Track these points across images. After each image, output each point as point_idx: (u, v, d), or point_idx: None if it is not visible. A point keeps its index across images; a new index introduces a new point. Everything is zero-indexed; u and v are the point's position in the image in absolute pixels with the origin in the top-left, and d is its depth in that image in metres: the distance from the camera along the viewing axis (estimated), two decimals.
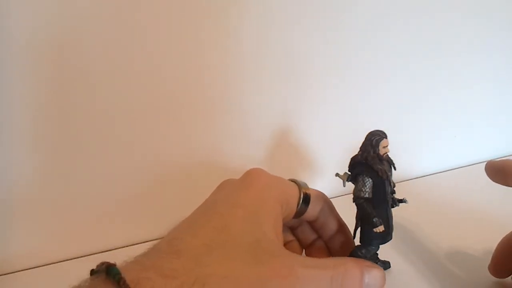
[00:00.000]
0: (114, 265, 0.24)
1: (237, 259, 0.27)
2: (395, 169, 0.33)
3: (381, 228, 0.31)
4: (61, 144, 0.39)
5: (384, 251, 0.36)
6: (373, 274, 0.30)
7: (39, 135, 0.38)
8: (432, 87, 0.54)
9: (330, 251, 0.37)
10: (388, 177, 0.32)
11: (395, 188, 0.34)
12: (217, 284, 0.25)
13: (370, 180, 0.32)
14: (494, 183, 0.53)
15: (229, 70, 0.43)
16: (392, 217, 0.33)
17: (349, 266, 0.30)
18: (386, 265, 0.36)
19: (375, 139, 0.31)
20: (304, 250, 0.38)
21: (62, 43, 0.37)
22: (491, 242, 0.29)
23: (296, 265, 0.28)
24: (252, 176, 0.33)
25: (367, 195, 0.32)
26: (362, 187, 0.32)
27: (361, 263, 0.31)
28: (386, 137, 0.32)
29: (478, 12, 0.54)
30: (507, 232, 0.29)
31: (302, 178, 0.36)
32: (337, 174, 0.34)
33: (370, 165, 0.31)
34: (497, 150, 0.60)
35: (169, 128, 0.42)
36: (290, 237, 0.38)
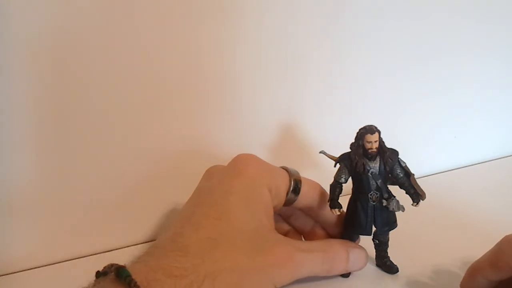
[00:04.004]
0: (124, 267, 0.24)
1: (241, 251, 0.28)
2: (385, 169, 0.33)
3: (335, 212, 0.33)
4: (61, 144, 0.38)
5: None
6: (356, 253, 0.34)
7: (38, 136, 0.38)
8: (432, 87, 0.54)
9: (330, 236, 0.37)
10: (367, 171, 0.33)
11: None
12: (226, 279, 0.26)
13: (346, 169, 0.34)
14: (494, 183, 0.54)
15: (228, 66, 0.43)
16: (373, 214, 0.34)
17: (336, 248, 0.33)
18: (393, 268, 0.36)
19: (360, 132, 0.33)
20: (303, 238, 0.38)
21: (62, 44, 0.37)
22: (491, 243, 0.29)
23: (293, 251, 0.30)
24: (242, 162, 0.33)
25: (342, 180, 0.34)
26: (339, 172, 0.34)
27: (347, 244, 0.34)
28: (373, 133, 0.33)
29: (478, 12, 0.54)
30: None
31: (302, 172, 0.36)
32: (321, 151, 0.36)
33: (350, 155, 0.34)
34: (497, 150, 0.60)
35: (169, 126, 0.42)
36: (286, 227, 0.38)
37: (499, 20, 0.56)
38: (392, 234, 0.36)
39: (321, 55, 0.47)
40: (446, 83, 0.55)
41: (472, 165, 0.58)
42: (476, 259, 0.30)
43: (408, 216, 0.37)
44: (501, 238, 0.29)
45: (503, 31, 0.57)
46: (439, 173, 0.56)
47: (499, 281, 0.29)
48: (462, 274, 0.31)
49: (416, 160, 0.54)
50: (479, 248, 0.31)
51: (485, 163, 0.59)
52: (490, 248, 0.29)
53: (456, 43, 0.54)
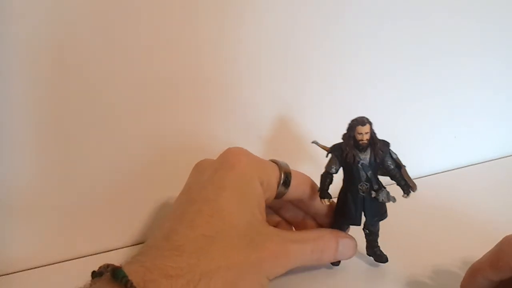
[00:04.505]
0: (120, 267, 0.23)
1: (236, 248, 0.28)
2: (375, 160, 0.33)
3: (325, 202, 0.34)
4: (60, 145, 0.38)
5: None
6: (345, 242, 0.35)
7: (38, 136, 0.38)
8: (432, 87, 0.54)
9: (320, 227, 0.37)
10: (357, 162, 0.33)
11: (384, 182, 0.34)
12: (222, 278, 0.26)
13: (337, 159, 0.34)
14: (494, 183, 0.54)
15: (227, 66, 0.43)
16: (362, 204, 0.34)
17: (327, 238, 0.34)
18: (383, 257, 0.36)
19: (351, 123, 0.33)
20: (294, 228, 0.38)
21: (62, 44, 0.37)
22: (491, 243, 0.29)
23: (285, 243, 0.31)
24: (233, 155, 0.33)
25: (332, 171, 0.34)
26: (330, 162, 0.35)
27: (337, 233, 0.35)
28: (364, 124, 0.33)
29: (478, 12, 0.54)
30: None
31: (300, 170, 0.36)
32: (314, 141, 0.36)
33: (341, 146, 0.34)
34: (497, 150, 0.60)
35: (168, 126, 0.42)
36: (276, 218, 0.38)
37: (499, 20, 0.56)
38: (391, 233, 0.36)
39: (321, 55, 0.47)
40: (446, 83, 0.55)
41: (472, 165, 0.58)
42: (476, 259, 0.30)
43: (408, 216, 0.37)
44: (501, 238, 0.29)
45: (503, 31, 0.57)
46: (439, 173, 0.56)
47: (500, 282, 0.29)
48: (462, 274, 0.31)
49: (416, 160, 0.54)
50: (479, 248, 0.30)
51: (485, 163, 0.59)
52: (490, 248, 0.29)
53: (456, 43, 0.54)
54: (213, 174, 0.32)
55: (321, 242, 0.34)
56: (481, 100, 0.58)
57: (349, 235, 0.36)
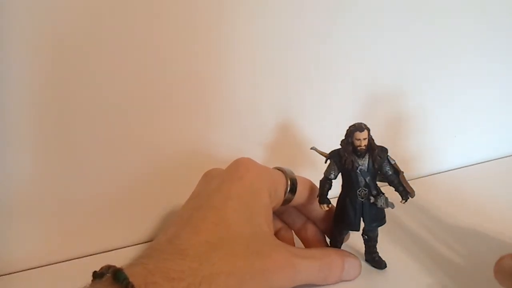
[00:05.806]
0: (121, 269, 0.23)
1: (239, 254, 0.28)
2: (373, 166, 0.34)
3: (324, 207, 0.34)
4: (60, 145, 0.38)
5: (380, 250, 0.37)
6: (351, 262, 0.35)
7: (38, 135, 0.38)
8: (432, 87, 0.54)
9: (320, 232, 0.38)
10: (356, 168, 0.33)
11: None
12: (224, 282, 0.26)
13: (336, 165, 0.34)
14: (494, 183, 0.53)
15: (226, 67, 0.43)
16: (361, 210, 0.34)
17: (333, 257, 0.34)
18: (381, 264, 0.36)
19: (350, 129, 0.34)
20: (294, 233, 0.39)
21: (62, 44, 0.37)
22: (491, 242, 0.29)
23: (291, 256, 0.31)
24: (241, 166, 0.33)
25: (331, 177, 0.35)
26: (329, 168, 0.35)
27: (342, 253, 0.35)
28: (362, 130, 0.33)
29: (479, 12, 0.54)
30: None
31: (298, 174, 0.36)
32: (312, 147, 0.37)
33: (339, 152, 0.34)
34: (497, 150, 0.60)
35: (167, 128, 0.42)
36: (279, 224, 0.38)
37: (499, 20, 0.56)
38: (391, 233, 0.36)
39: (321, 55, 0.47)
40: (447, 83, 0.55)
41: (472, 165, 0.58)
42: (475, 258, 0.30)
43: (408, 215, 0.37)
44: (502, 237, 0.29)
45: (503, 31, 0.57)
46: (439, 173, 0.56)
47: None
48: (461, 273, 0.31)
49: (416, 160, 0.54)
50: (478, 247, 0.30)
51: (485, 163, 0.59)
52: (491, 247, 0.29)
53: (456, 43, 0.54)
54: (221, 184, 0.32)
55: (328, 260, 0.34)
56: (481, 100, 0.58)
57: (354, 255, 0.36)
